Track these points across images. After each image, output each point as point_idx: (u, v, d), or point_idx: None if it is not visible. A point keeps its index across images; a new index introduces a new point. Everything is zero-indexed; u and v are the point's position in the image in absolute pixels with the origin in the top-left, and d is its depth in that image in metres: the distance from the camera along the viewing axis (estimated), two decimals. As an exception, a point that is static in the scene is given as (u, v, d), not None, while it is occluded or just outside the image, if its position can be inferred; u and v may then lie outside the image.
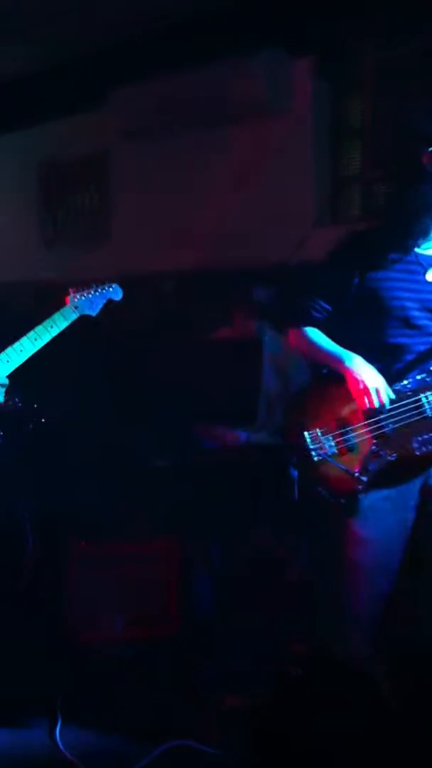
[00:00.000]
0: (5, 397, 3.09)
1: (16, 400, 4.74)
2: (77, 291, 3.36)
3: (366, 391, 2.98)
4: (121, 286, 3.61)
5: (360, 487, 2.98)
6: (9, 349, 3.10)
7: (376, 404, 2.97)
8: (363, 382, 2.99)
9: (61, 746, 3.28)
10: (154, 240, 5.79)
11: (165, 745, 3.21)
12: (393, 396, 3.00)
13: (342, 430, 3.05)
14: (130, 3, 5.07)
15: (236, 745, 3.23)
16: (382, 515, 3.05)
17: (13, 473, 4.68)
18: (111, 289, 3.47)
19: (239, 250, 5.27)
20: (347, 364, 3.04)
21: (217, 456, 4.12)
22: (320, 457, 3.06)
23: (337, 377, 3.07)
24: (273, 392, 4.54)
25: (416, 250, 3.05)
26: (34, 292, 6.35)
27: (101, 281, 3.45)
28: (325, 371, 3.17)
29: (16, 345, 3.14)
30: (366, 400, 2.98)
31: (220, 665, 3.75)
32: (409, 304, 3.03)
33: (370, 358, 3.07)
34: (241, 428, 4.44)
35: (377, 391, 2.97)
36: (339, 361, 3.08)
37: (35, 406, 4.84)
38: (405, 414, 2.98)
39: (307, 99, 5.10)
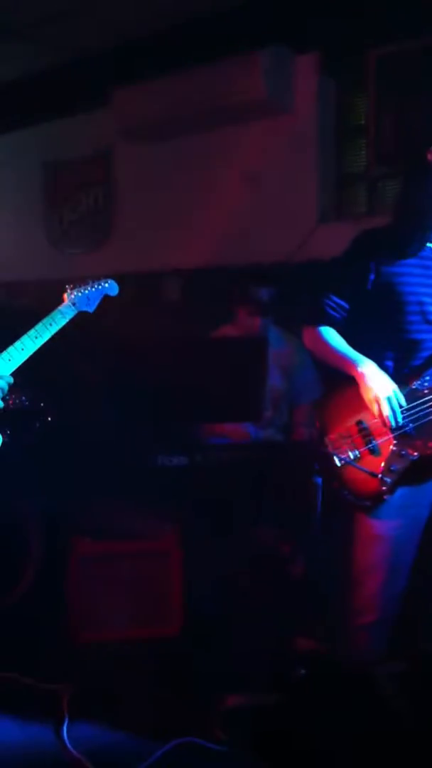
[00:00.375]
0: (10, 395, 3.09)
1: (23, 398, 4.77)
2: (74, 288, 3.36)
3: (378, 399, 2.96)
4: (126, 284, 3.62)
5: (384, 488, 2.98)
6: (11, 348, 3.09)
7: (388, 415, 2.95)
8: (374, 389, 2.97)
9: (68, 744, 3.29)
10: (159, 239, 5.80)
11: (171, 743, 3.22)
12: (404, 403, 2.98)
13: (362, 433, 3.04)
14: (132, 2, 5.06)
15: (241, 743, 3.24)
16: (398, 513, 3.05)
17: (19, 471, 4.69)
18: (107, 285, 3.46)
19: (243, 248, 5.28)
20: (360, 369, 3.03)
21: (223, 453, 4.11)
22: (343, 462, 3.06)
23: (353, 380, 3.06)
24: (278, 390, 4.54)
25: (429, 245, 3.04)
26: (39, 291, 6.37)
27: (97, 278, 3.45)
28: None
29: (17, 344, 3.12)
30: (376, 409, 2.97)
31: (224, 664, 3.75)
32: (426, 299, 3.02)
33: (388, 355, 3.07)
34: (247, 425, 4.45)
35: (388, 398, 2.96)
36: (352, 365, 3.06)
37: (42, 404, 4.85)
38: (424, 412, 2.97)
39: (311, 97, 5.10)
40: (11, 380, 3.02)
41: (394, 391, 2.98)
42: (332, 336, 3.17)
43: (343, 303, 3.15)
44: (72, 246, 6.47)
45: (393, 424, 2.96)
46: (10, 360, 3.05)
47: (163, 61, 5.37)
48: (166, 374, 3.63)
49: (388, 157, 4.85)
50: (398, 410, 2.96)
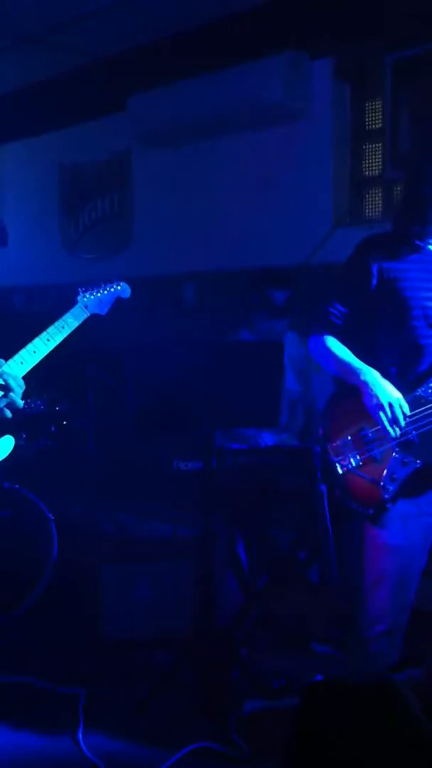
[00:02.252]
0: (22, 399, 3.08)
1: (39, 402, 4.79)
2: (86, 291, 3.33)
3: (380, 407, 2.95)
4: (143, 288, 3.61)
5: (387, 496, 2.95)
6: (23, 351, 3.05)
7: (390, 420, 2.93)
8: (377, 397, 2.95)
9: (84, 748, 3.30)
10: (175, 243, 5.81)
11: (187, 748, 3.22)
12: (408, 411, 2.96)
13: (364, 441, 3.03)
14: (149, 8, 5.08)
15: (257, 748, 3.24)
16: (407, 522, 3.02)
17: (37, 474, 4.71)
18: (119, 287, 3.44)
19: (260, 252, 5.28)
20: (363, 377, 3.01)
21: (239, 458, 4.11)
22: (345, 470, 3.05)
23: (355, 389, 3.05)
24: (294, 394, 4.54)
25: (430, 247, 3.03)
26: (56, 297, 6.39)
27: (110, 280, 3.43)
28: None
29: (29, 346, 3.09)
30: (380, 416, 2.95)
31: (242, 668, 3.74)
32: (429, 303, 3.00)
33: (392, 361, 3.05)
34: (264, 430, 4.44)
35: (390, 407, 2.94)
36: (354, 374, 3.05)
37: (57, 408, 4.87)
38: (429, 420, 2.95)
39: (328, 101, 5.09)
40: (23, 384, 3.00)
41: (398, 400, 2.96)
42: (335, 345, 3.16)
43: (345, 310, 3.14)
44: (88, 251, 6.49)
45: (393, 433, 2.94)
46: (22, 363, 3.03)
47: (180, 66, 5.38)
48: (182, 379, 3.63)
49: (404, 161, 4.83)
50: (401, 418, 2.94)
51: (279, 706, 3.46)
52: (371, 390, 2.97)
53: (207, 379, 3.60)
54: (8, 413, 2.94)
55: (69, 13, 5.15)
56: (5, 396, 2.92)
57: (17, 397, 2.93)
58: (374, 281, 3.03)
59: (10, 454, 3.21)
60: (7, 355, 3.08)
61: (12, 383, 2.92)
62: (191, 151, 5.66)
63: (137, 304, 3.64)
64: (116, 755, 3.25)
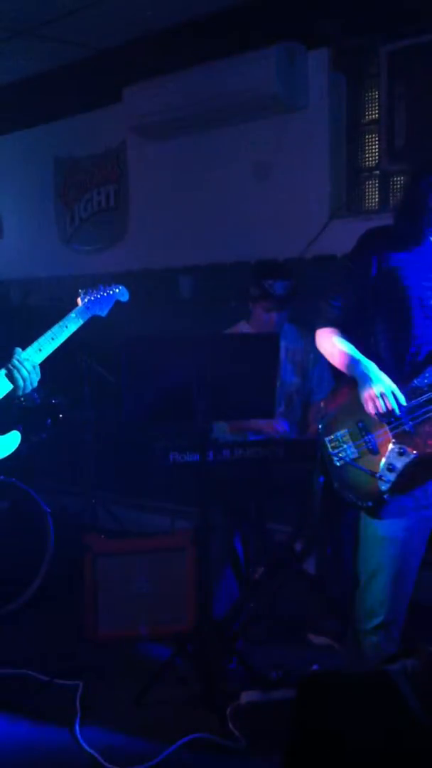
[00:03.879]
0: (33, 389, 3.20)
1: (35, 395, 4.79)
2: (87, 292, 3.40)
3: (373, 396, 2.95)
4: (140, 281, 3.62)
5: (385, 487, 2.96)
6: (29, 349, 3.19)
7: (383, 409, 2.94)
8: (371, 387, 2.96)
9: (81, 740, 3.31)
10: (171, 236, 5.80)
11: (184, 739, 3.23)
12: (404, 402, 2.96)
13: (361, 433, 3.03)
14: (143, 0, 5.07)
15: (254, 739, 3.24)
16: (405, 514, 3.02)
17: (33, 467, 4.71)
18: (117, 291, 3.50)
19: (256, 245, 5.27)
20: (359, 368, 3.03)
21: (235, 450, 4.11)
22: (342, 462, 3.05)
23: (354, 381, 3.06)
24: (291, 386, 4.54)
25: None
26: (52, 289, 6.39)
27: (107, 282, 3.49)
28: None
29: (35, 345, 3.20)
30: (373, 406, 2.95)
31: (239, 660, 3.75)
32: (427, 293, 3.01)
33: (389, 351, 3.06)
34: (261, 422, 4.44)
35: (383, 396, 2.94)
36: (352, 365, 3.07)
37: (53, 401, 4.87)
38: (424, 410, 2.95)
39: (323, 93, 5.07)
40: (39, 371, 3.14)
41: (390, 388, 2.96)
42: (338, 338, 3.18)
43: (347, 302, 3.16)
44: (84, 243, 6.48)
45: (392, 415, 2.94)
46: (27, 361, 3.13)
47: (175, 57, 5.37)
48: (178, 371, 3.63)
49: (401, 153, 4.82)
50: (396, 407, 2.94)
51: (276, 698, 3.46)
52: (366, 380, 2.98)
53: (203, 371, 3.60)
54: (33, 399, 3.11)
55: (64, 6, 5.13)
56: (17, 385, 3.11)
57: (30, 386, 3.09)
58: (374, 271, 3.05)
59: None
60: (4, 346, 3.14)
61: (21, 374, 3.10)
62: (187, 143, 5.64)
63: (133, 297, 3.64)
64: (114, 747, 3.26)
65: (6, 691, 3.64)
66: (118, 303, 3.52)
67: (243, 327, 4.55)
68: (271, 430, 4.38)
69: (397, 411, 2.94)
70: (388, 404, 2.94)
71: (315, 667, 3.69)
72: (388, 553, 3.04)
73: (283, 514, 4.39)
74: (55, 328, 3.25)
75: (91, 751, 3.22)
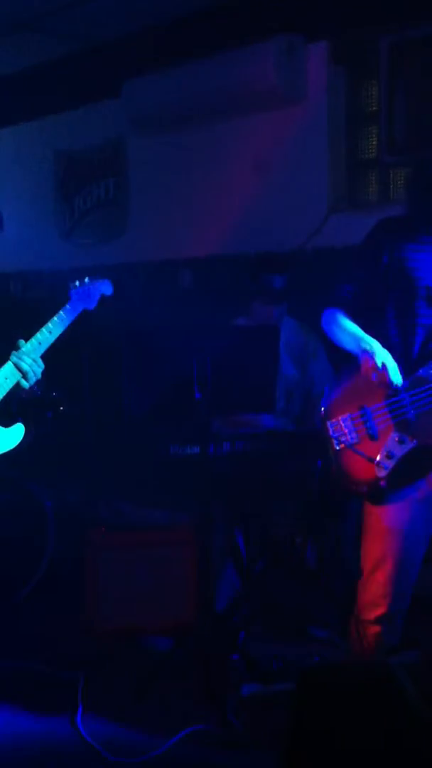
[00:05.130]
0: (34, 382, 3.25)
1: (35, 388, 4.79)
2: (77, 286, 3.44)
3: (375, 366, 2.92)
4: (139, 274, 3.61)
5: (382, 474, 2.96)
6: (32, 340, 3.24)
7: (384, 379, 2.92)
8: (373, 358, 2.93)
9: (82, 732, 3.32)
10: (171, 229, 5.79)
11: (185, 731, 3.24)
12: (401, 381, 2.94)
13: (363, 419, 3.03)
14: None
15: (254, 732, 3.26)
16: (409, 505, 3.02)
17: (33, 461, 4.71)
18: (102, 284, 3.51)
19: (256, 237, 5.27)
20: (362, 345, 3.02)
21: (236, 443, 4.11)
22: (342, 445, 3.06)
23: (357, 366, 3.05)
24: (291, 379, 4.54)
25: None
26: (52, 282, 6.38)
27: (96, 277, 3.51)
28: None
29: (35, 338, 3.25)
30: (376, 376, 2.93)
31: (240, 653, 3.76)
32: None
33: (396, 340, 3.05)
34: (260, 415, 4.44)
35: (384, 367, 2.92)
36: (356, 342, 3.06)
37: (54, 394, 4.87)
38: (428, 399, 2.95)
39: (322, 85, 5.07)
40: (42, 364, 3.21)
41: (389, 359, 2.95)
42: (343, 317, 3.18)
43: (357, 289, 3.16)
44: (84, 237, 6.47)
45: (392, 387, 2.93)
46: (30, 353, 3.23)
47: (175, 50, 5.35)
48: (178, 364, 3.63)
49: (400, 145, 4.82)
50: (398, 378, 2.92)
51: (276, 691, 3.47)
52: (368, 352, 2.96)
53: (203, 365, 3.60)
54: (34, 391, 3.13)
55: (62, -1, 5.13)
56: (25, 377, 3.17)
57: (33, 377, 3.17)
58: (385, 260, 3.06)
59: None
60: (3, 339, 3.19)
61: (25, 366, 3.17)
62: (186, 135, 5.63)
63: (134, 290, 3.65)
64: (115, 739, 3.27)
65: (8, 684, 3.65)
66: (105, 297, 3.54)
67: (241, 321, 4.55)
68: (247, 427, 4.38)
69: (397, 383, 2.93)
70: (388, 375, 2.93)
71: (315, 659, 3.70)
72: (391, 544, 3.04)
73: (284, 507, 4.39)
74: (52, 322, 3.30)
75: (93, 742, 3.23)
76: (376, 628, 3.07)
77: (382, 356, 2.95)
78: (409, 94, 4.79)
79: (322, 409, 3.15)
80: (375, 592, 3.07)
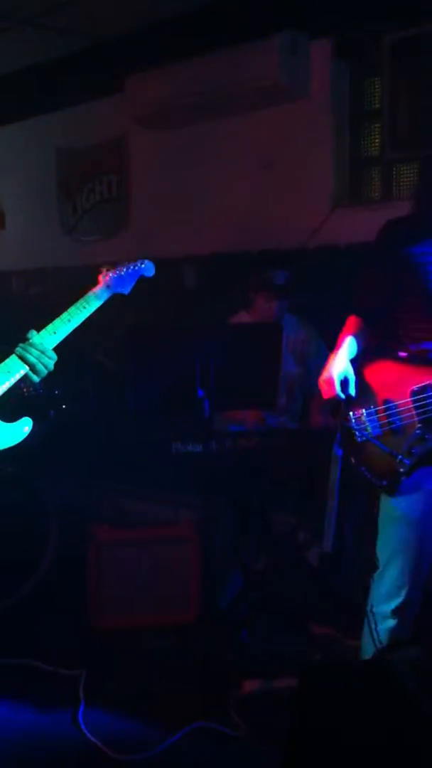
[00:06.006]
0: (26, 384, 3.09)
1: (37, 386, 4.78)
2: (109, 270, 3.24)
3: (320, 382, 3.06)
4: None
5: (402, 469, 2.95)
6: (43, 332, 3.02)
7: (328, 395, 3.04)
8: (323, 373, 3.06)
9: (84, 729, 3.32)
10: (174, 225, 5.79)
11: (187, 728, 3.24)
12: (352, 392, 3.04)
13: (387, 412, 3.02)
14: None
15: (256, 729, 3.26)
16: (426, 495, 3.01)
17: (36, 459, 4.71)
18: (143, 266, 3.33)
19: (259, 234, 5.26)
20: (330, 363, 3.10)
21: (238, 440, 4.11)
22: (364, 438, 3.05)
23: (383, 359, 3.08)
24: (293, 376, 4.54)
25: None
26: (54, 280, 6.38)
27: (133, 260, 3.33)
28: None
29: (50, 327, 3.04)
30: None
31: (240, 649, 3.76)
32: None
33: (414, 340, 3.04)
34: (262, 412, 4.44)
35: (327, 382, 3.04)
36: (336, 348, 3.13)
37: (56, 392, 4.87)
38: None
39: (326, 82, 5.06)
40: (53, 355, 3.01)
41: (346, 374, 3.06)
42: (353, 324, 3.20)
43: (372, 292, 3.16)
44: (86, 234, 6.47)
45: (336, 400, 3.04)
46: (41, 344, 3.01)
47: (177, 47, 5.34)
48: (181, 361, 3.63)
49: (403, 142, 4.81)
50: (339, 391, 3.03)
51: (278, 687, 3.47)
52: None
53: (206, 362, 3.60)
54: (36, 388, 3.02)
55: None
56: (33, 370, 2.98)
57: (44, 369, 2.99)
58: (397, 263, 3.04)
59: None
60: (5, 337, 3.08)
61: (31, 358, 2.96)
62: (189, 132, 5.63)
63: (137, 287, 3.64)
64: (117, 735, 3.27)
65: (10, 680, 3.65)
66: (141, 280, 3.36)
67: (243, 317, 4.55)
68: (253, 422, 4.37)
69: (339, 396, 3.03)
70: (332, 389, 3.02)
71: (318, 656, 3.71)
72: (406, 534, 3.03)
73: (286, 504, 4.39)
74: (72, 309, 3.08)
75: (95, 739, 3.23)
76: (391, 621, 3.06)
77: (329, 371, 3.06)
78: (413, 91, 4.79)
79: (344, 397, 3.14)
80: (391, 584, 3.06)
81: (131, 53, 5.67)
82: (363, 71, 5.13)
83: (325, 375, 3.07)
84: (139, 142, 6.01)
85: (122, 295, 3.26)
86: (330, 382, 3.04)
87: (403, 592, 3.04)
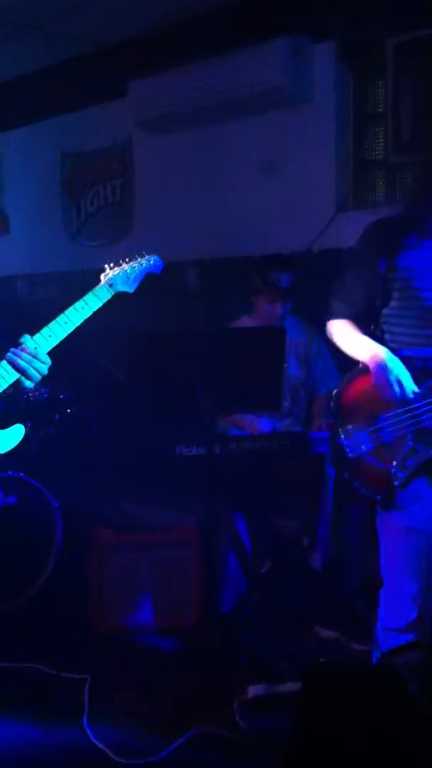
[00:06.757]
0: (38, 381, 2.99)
1: (42, 390, 4.79)
2: (113, 267, 3.09)
3: (388, 381, 2.92)
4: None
5: (397, 483, 2.93)
6: (37, 335, 2.92)
7: (397, 392, 2.92)
8: (385, 371, 2.93)
9: (89, 733, 3.31)
10: (178, 229, 5.79)
11: (191, 732, 3.23)
12: (417, 389, 2.94)
13: (377, 426, 3.00)
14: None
15: (260, 733, 3.25)
16: (425, 504, 2.98)
17: (41, 462, 4.72)
18: (151, 262, 3.21)
19: (262, 238, 5.26)
20: (372, 353, 3.00)
21: (242, 444, 4.11)
22: (356, 454, 3.02)
23: (365, 369, 3.03)
24: (296, 379, 4.53)
25: None
26: (59, 284, 6.39)
27: (140, 254, 3.19)
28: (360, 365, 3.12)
29: (45, 330, 2.92)
30: (388, 390, 2.93)
31: (246, 654, 3.76)
32: None
33: (405, 346, 3.03)
34: (266, 416, 4.44)
35: (398, 381, 2.92)
36: (365, 351, 3.04)
37: (61, 396, 4.87)
38: None
39: (329, 85, 5.06)
40: (47, 360, 2.89)
41: (406, 374, 2.94)
42: (349, 327, 3.16)
43: (358, 295, 3.13)
44: (90, 238, 6.48)
45: (406, 400, 2.93)
46: (35, 349, 2.89)
47: (181, 51, 5.35)
48: (184, 365, 3.63)
49: (407, 145, 4.81)
50: (410, 391, 2.92)
51: (282, 691, 3.46)
52: (380, 364, 2.95)
53: (209, 365, 3.59)
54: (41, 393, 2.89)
55: (68, 0, 5.12)
56: (25, 375, 2.86)
57: (36, 375, 2.86)
58: (383, 267, 3.02)
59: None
60: (11, 342, 3.01)
61: (21, 363, 2.84)
62: (193, 136, 5.63)
63: (139, 291, 3.63)
64: (121, 740, 3.26)
65: (14, 685, 3.65)
66: (120, 294, 3.20)
67: (245, 321, 4.55)
68: (252, 428, 4.37)
69: (412, 394, 2.92)
70: (403, 389, 2.92)
71: (321, 659, 3.70)
72: (412, 545, 2.98)
73: (289, 507, 4.38)
74: (70, 311, 2.94)
75: (101, 745, 3.22)
76: (408, 635, 2.99)
77: (396, 369, 2.94)
78: (416, 95, 4.78)
79: (334, 412, 3.12)
80: (404, 598, 3.00)
81: (135, 57, 5.68)
82: (366, 75, 5.13)
83: (390, 377, 2.94)
84: (143, 146, 6.01)
85: (127, 293, 3.13)
86: (401, 382, 2.93)
87: (419, 602, 2.99)
